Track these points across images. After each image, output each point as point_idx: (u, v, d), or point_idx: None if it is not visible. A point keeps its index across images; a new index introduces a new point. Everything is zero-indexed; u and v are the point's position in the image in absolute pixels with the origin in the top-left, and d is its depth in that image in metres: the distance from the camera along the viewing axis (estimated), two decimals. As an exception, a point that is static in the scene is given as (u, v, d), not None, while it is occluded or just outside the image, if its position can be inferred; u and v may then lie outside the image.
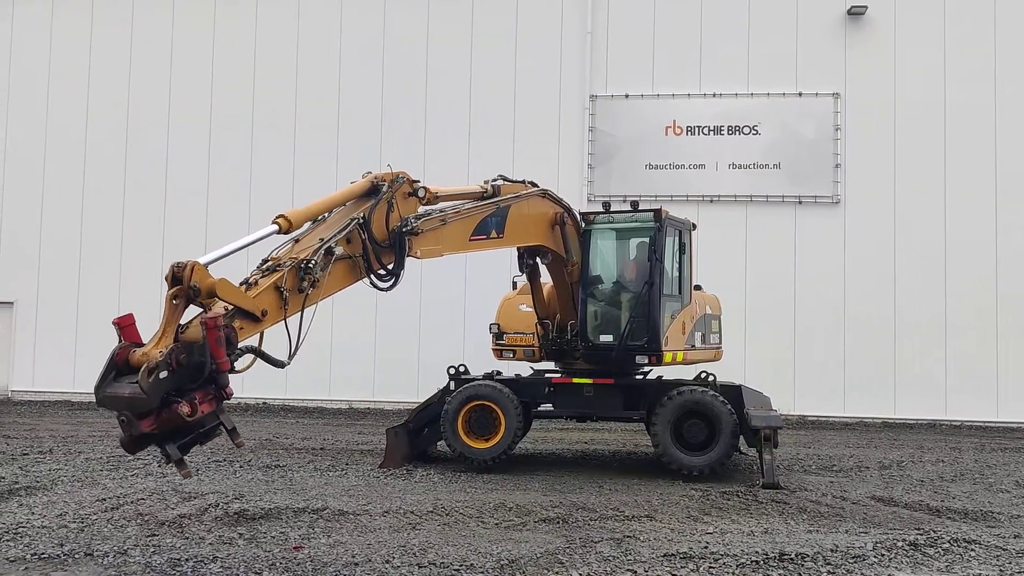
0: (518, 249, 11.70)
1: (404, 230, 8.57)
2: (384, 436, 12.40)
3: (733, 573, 6.78)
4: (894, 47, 19.28)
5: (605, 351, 11.83)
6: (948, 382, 18.55)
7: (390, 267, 8.43)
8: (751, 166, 19.46)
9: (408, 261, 8.61)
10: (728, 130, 19.57)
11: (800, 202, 19.29)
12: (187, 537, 7.78)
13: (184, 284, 6.25)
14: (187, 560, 6.96)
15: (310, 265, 7.27)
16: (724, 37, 19.69)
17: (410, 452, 12.20)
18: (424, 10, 20.43)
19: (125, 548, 7.33)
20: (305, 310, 7.27)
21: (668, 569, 6.87)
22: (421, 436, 12.35)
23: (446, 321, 19.40)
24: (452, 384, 12.27)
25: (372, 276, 8.28)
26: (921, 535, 8.08)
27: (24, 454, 12.51)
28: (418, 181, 9.04)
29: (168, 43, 21.19)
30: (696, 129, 19.66)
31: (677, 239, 12.25)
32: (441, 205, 9.59)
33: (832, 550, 7.45)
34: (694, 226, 12.86)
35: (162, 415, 6.18)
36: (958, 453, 14.34)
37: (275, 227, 7.30)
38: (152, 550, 7.29)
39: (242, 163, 20.65)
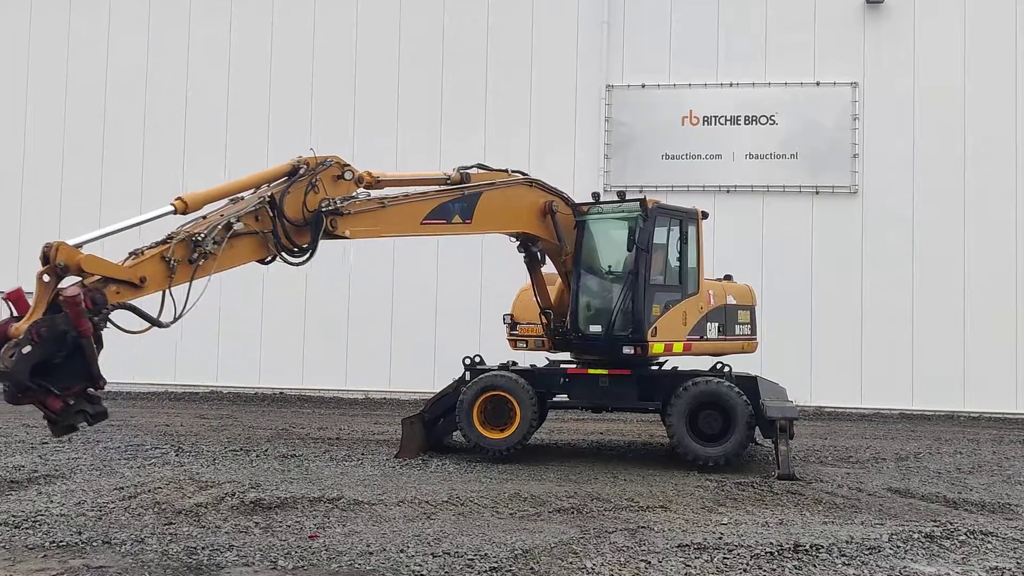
0: (512, 238, 11.85)
1: (324, 210, 9.02)
2: (400, 426, 12.44)
3: (747, 564, 6.76)
4: (913, 36, 19.11)
5: (594, 341, 11.82)
6: (967, 373, 18.42)
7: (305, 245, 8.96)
8: (768, 156, 19.35)
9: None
10: (745, 120, 19.45)
11: (817, 192, 19.18)
12: (203, 526, 7.84)
13: (51, 263, 6.80)
14: (203, 548, 7.01)
15: (199, 239, 7.79)
16: (741, 26, 19.58)
17: (425, 442, 12.24)
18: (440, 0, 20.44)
19: (142, 536, 7.39)
20: (208, 279, 7.90)
21: (682, 560, 6.86)
22: (436, 426, 12.39)
23: (462, 312, 19.40)
24: (467, 374, 12.29)
25: (284, 253, 8.78)
26: (937, 527, 8.04)
27: (43, 443, 12.63)
28: (348, 165, 9.47)
29: (185, 33, 21.24)
30: (713, 119, 19.56)
31: (678, 228, 12.03)
32: (398, 189, 10.12)
33: (847, 541, 7.42)
34: (705, 215, 12.52)
35: (38, 398, 6.75)
36: (976, 445, 14.25)
37: (171, 208, 7.86)
38: (169, 538, 7.34)
39: (258, 151, 20.58)
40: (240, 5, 21.17)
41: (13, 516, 8.01)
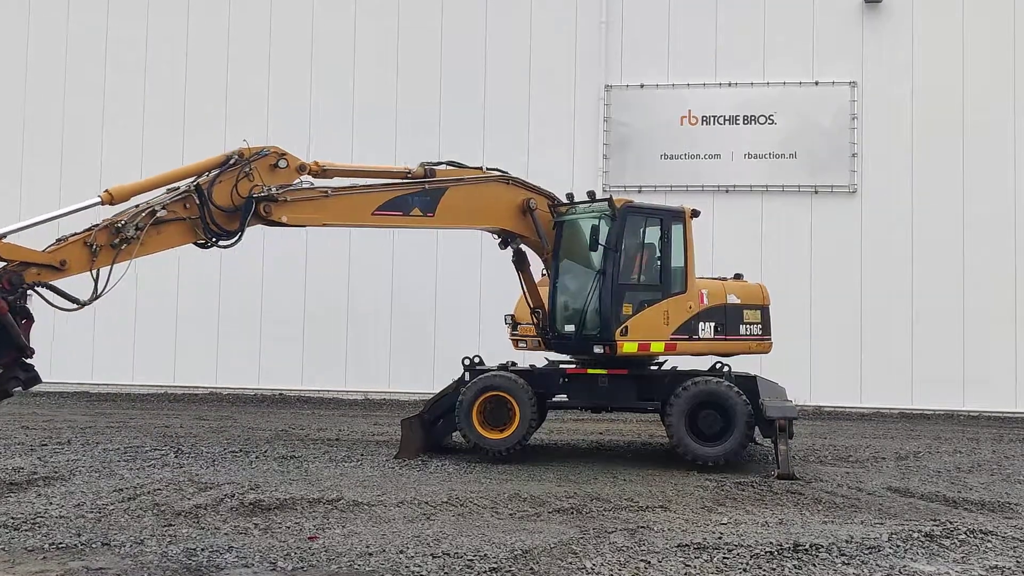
0: (494, 235, 12.05)
1: (255, 196, 9.56)
2: (399, 427, 12.44)
3: (747, 564, 6.76)
4: (911, 35, 19.12)
5: (568, 340, 11.86)
6: (966, 372, 18.41)
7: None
8: (767, 156, 19.35)
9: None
10: (744, 120, 19.45)
11: (816, 192, 19.18)
12: (203, 527, 7.84)
13: None
14: (203, 550, 7.01)
15: (119, 225, 8.50)
16: (740, 26, 19.57)
17: (425, 443, 12.23)
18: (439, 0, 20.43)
19: (142, 538, 7.39)
20: (130, 262, 8.68)
21: (681, 560, 6.86)
22: (436, 427, 12.38)
23: (462, 312, 19.41)
24: (467, 375, 12.26)
25: (215, 238, 9.43)
26: (937, 526, 8.04)
27: (43, 445, 12.61)
28: (286, 154, 9.91)
29: (183, 28, 21.22)
30: (711, 119, 19.56)
31: (658, 227, 11.87)
32: (354, 180, 10.56)
33: (847, 541, 7.42)
34: (695, 213, 12.24)
35: None
36: (976, 444, 14.25)
37: (98, 200, 8.56)
38: (168, 540, 7.34)
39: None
40: (238, 5, 21.14)
41: (12, 518, 8.01)
